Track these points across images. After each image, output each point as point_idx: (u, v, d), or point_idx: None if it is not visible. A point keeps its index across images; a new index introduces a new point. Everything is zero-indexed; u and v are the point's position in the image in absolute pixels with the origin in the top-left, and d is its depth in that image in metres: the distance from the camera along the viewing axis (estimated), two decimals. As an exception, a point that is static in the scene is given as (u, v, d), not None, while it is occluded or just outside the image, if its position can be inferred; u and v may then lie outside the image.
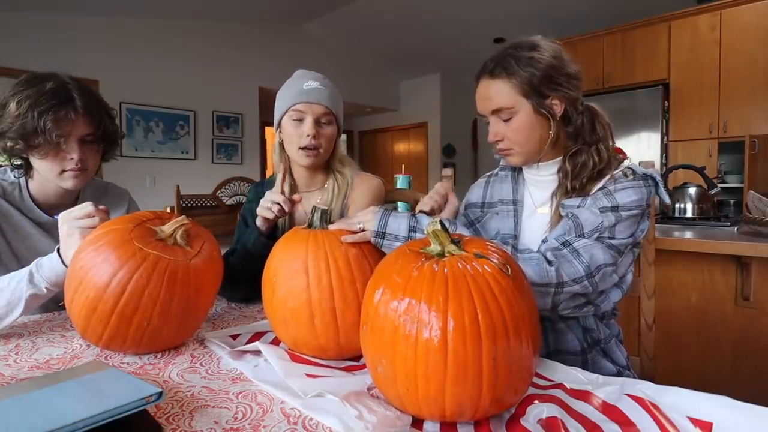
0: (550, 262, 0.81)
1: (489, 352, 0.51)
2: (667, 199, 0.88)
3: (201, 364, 0.73)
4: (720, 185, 2.74)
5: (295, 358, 0.73)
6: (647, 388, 0.62)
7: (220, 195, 3.03)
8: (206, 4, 4.65)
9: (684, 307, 1.82)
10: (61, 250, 0.86)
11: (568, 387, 0.63)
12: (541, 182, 0.97)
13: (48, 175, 1.02)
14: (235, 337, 0.84)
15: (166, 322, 0.75)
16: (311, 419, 0.56)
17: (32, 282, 0.84)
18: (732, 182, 3.67)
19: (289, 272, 0.74)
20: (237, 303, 1.12)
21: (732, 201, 3.28)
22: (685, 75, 3.78)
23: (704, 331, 1.78)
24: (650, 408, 0.57)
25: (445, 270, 0.55)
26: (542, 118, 0.89)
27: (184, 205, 2.84)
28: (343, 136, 1.30)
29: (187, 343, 0.83)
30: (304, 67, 1.23)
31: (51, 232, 1.08)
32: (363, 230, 0.80)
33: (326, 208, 0.82)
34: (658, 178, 0.87)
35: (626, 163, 0.91)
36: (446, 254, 0.60)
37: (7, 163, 1.07)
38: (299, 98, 1.10)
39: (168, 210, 2.38)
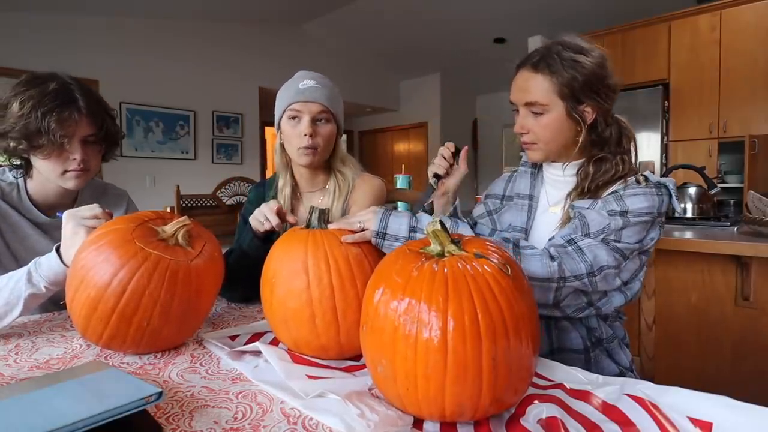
0: (552, 258, 0.81)
1: (489, 352, 0.51)
2: (679, 208, 0.87)
3: (201, 364, 0.73)
4: (720, 185, 2.74)
5: (295, 359, 0.73)
6: (647, 388, 0.62)
7: (220, 195, 3.02)
8: (206, 4, 4.65)
9: (684, 307, 1.82)
10: (62, 249, 0.85)
11: (568, 387, 0.63)
12: (558, 182, 0.98)
13: (50, 175, 1.02)
14: (233, 338, 0.84)
15: (166, 323, 0.75)
16: (311, 419, 0.56)
17: (31, 281, 0.84)
18: (732, 182, 3.67)
19: (289, 273, 0.73)
20: (237, 303, 1.12)
21: (732, 201, 3.28)
22: (685, 75, 3.77)
23: (704, 331, 1.78)
24: (650, 408, 0.57)
25: (445, 270, 0.55)
26: (572, 122, 0.90)
27: (184, 205, 2.84)
28: (344, 137, 1.30)
29: (187, 343, 0.83)
30: (304, 67, 1.23)
31: (49, 232, 1.08)
32: (363, 230, 0.80)
33: (324, 207, 0.82)
34: (672, 187, 0.86)
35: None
36: (446, 254, 0.60)
37: (6, 163, 1.07)
38: (296, 98, 1.10)
39: (168, 210, 2.38)
